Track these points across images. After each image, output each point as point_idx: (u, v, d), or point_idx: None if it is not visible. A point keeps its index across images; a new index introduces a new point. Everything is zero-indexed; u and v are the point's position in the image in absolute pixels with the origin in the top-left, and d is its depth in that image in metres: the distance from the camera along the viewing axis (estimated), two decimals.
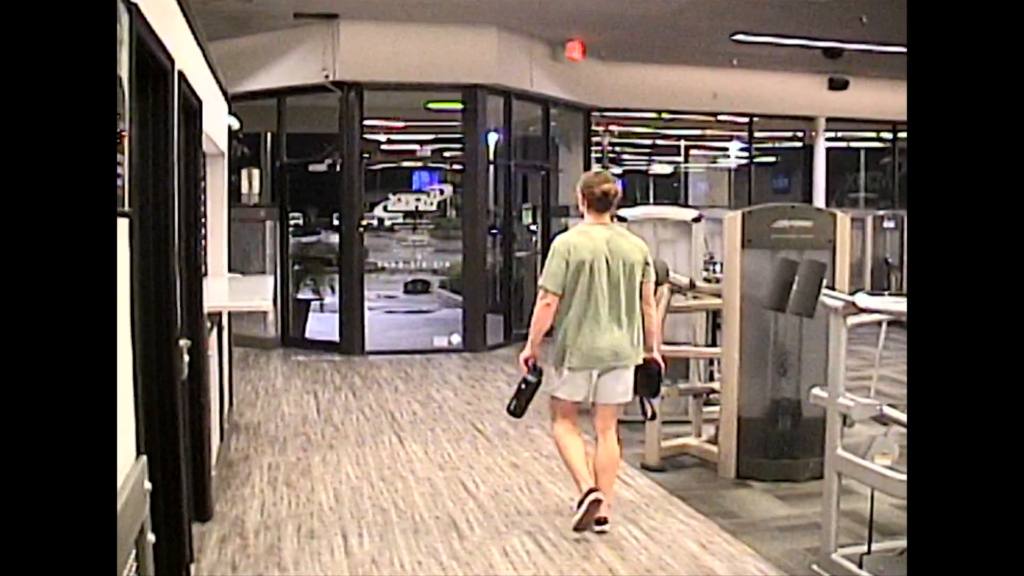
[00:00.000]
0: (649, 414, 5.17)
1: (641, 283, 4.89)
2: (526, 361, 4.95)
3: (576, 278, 4.82)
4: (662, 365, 4.97)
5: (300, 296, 12.04)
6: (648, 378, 4.94)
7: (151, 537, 2.55)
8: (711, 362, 7.36)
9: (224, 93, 7.17)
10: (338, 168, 10.93)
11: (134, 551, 2.40)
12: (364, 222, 11.04)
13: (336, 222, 11.34)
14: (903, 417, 4.26)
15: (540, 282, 4.88)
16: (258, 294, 6.66)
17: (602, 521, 4.90)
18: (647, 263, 4.94)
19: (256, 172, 11.90)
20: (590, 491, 4.83)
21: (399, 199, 11.32)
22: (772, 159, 16.55)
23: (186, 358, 4.22)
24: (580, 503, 4.87)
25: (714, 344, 7.27)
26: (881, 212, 14.29)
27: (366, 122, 11.06)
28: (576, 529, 4.87)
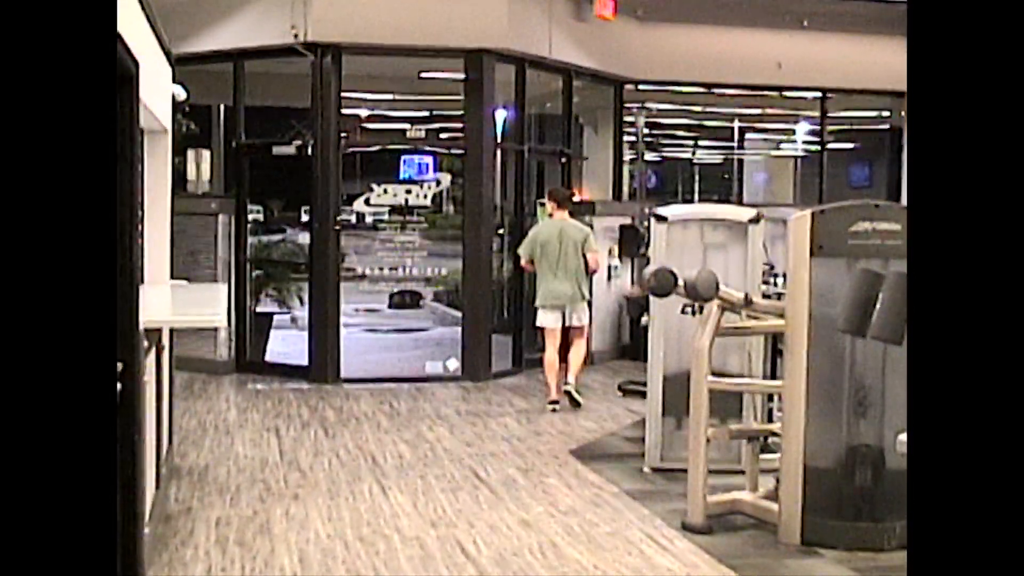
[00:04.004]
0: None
1: (584, 254, 9.72)
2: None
3: (542, 252, 9.79)
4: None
5: (260, 309, 12.04)
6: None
7: None
8: (770, 398, 7.31)
9: (167, 55, 7.16)
10: (309, 151, 10.93)
11: None
12: (341, 218, 11.04)
13: (306, 218, 11.32)
14: None
15: (523, 256, 10.10)
16: (208, 306, 6.64)
17: (567, 384, 9.66)
18: (586, 240, 9.76)
19: (206, 154, 11.91)
20: (553, 401, 9.64)
21: (384, 190, 11.33)
22: (850, 145, 16.52)
23: (117, 385, 4.20)
24: (551, 403, 9.65)
25: (774, 375, 7.22)
26: None
27: (345, 94, 11.07)
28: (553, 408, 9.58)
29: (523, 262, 10.14)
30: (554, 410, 9.58)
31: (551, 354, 9.76)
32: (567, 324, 9.82)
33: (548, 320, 9.83)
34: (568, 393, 9.64)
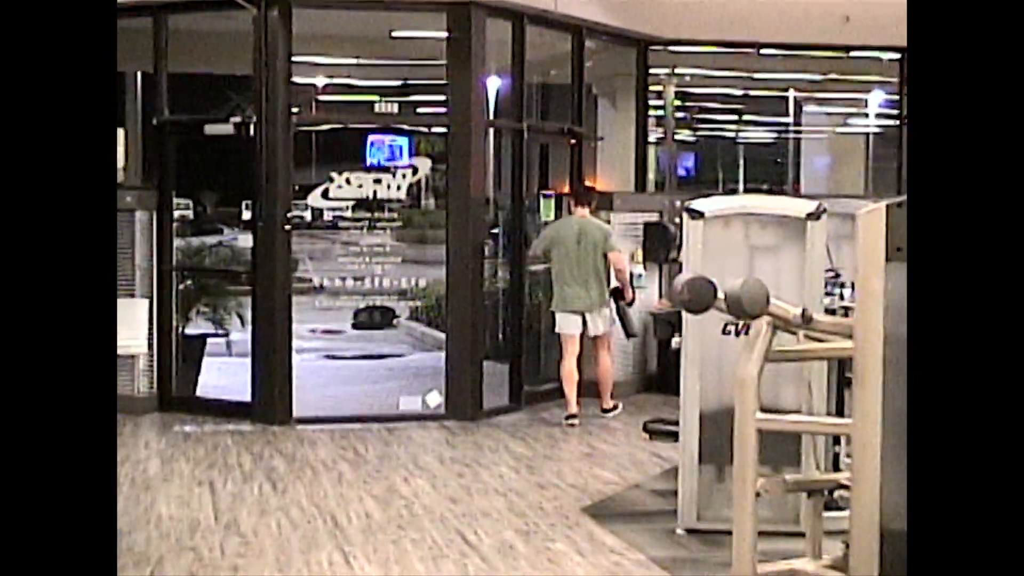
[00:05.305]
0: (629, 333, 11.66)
1: (605, 253, 10.97)
2: None
3: (557, 250, 11.04)
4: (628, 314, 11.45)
5: (190, 331, 12.03)
6: (622, 321, 11.39)
7: None
8: (836, 440, 7.30)
9: None
10: (251, 130, 10.93)
11: None
12: (292, 216, 11.04)
13: (248, 215, 11.31)
14: None
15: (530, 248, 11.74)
16: (123, 328, 6.63)
17: (606, 410, 11.22)
18: (606, 239, 11.04)
19: (119, 135, 11.92)
20: (571, 415, 10.97)
21: (347, 180, 11.32)
22: None
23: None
24: (568, 418, 10.97)
25: (841, 412, 7.21)
26: None
27: (296, 58, 11.08)
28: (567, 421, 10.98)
29: (530, 253, 11.59)
30: (571, 425, 10.87)
31: (569, 364, 11.03)
32: (589, 333, 11.07)
33: (567, 325, 11.04)
34: (605, 412, 11.20)
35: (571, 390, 11.00)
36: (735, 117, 17.20)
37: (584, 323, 11.03)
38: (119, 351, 7.97)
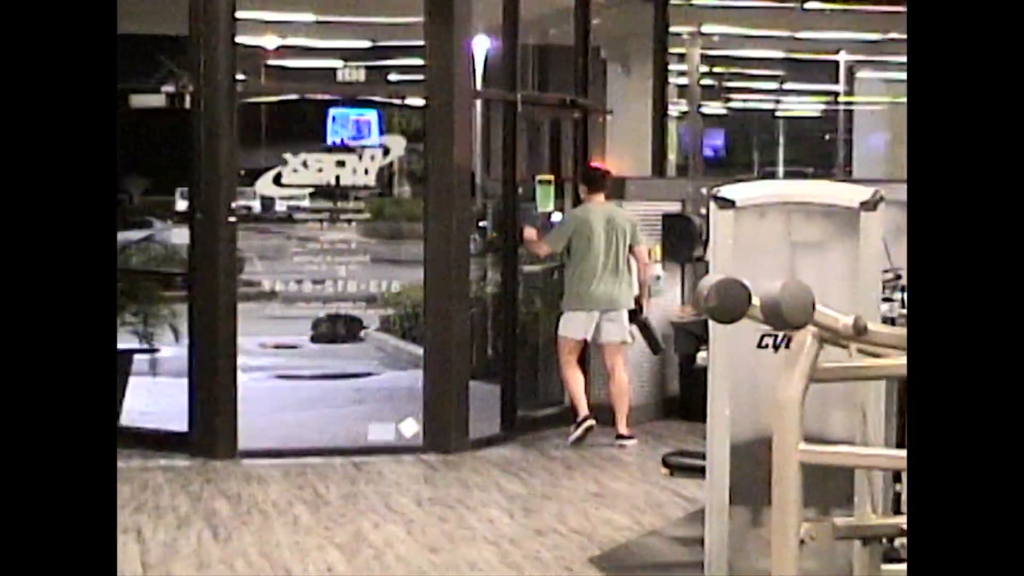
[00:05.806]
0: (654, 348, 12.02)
1: (631, 246, 11.42)
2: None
3: (580, 241, 11.31)
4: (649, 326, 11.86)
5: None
6: (645, 334, 11.81)
7: None
8: (896, 477, 7.29)
9: None
10: (187, 102, 10.93)
11: None
12: (238, 206, 11.02)
13: (183, 205, 11.30)
14: None
15: (546, 242, 11.80)
16: None
17: (623, 437, 11.34)
18: (634, 230, 11.49)
19: None
20: (586, 417, 11.21)
21: (304, 163, 11.32)
22: None
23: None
24: (578, 426, 11.21)
25: (902, 443, 7.19)
26: None
27: (241, 15, 11.08)
28: (573, 444, 11.24)
29: (543, 249, 11.73)
30: (588, 430, 11.16)
31: (573, 367, 11.46)
32: (604, 339, 11.40)
33: (573, 327, 11.38)
34: (621, 439, 11.35)
35: (578, 391, 11.30)
36: (774, 85, 17.22)
37: (598, 328, 11.26)
38: None
